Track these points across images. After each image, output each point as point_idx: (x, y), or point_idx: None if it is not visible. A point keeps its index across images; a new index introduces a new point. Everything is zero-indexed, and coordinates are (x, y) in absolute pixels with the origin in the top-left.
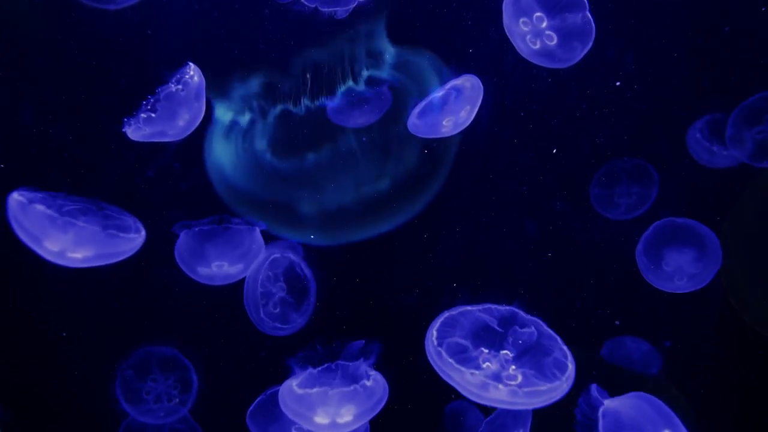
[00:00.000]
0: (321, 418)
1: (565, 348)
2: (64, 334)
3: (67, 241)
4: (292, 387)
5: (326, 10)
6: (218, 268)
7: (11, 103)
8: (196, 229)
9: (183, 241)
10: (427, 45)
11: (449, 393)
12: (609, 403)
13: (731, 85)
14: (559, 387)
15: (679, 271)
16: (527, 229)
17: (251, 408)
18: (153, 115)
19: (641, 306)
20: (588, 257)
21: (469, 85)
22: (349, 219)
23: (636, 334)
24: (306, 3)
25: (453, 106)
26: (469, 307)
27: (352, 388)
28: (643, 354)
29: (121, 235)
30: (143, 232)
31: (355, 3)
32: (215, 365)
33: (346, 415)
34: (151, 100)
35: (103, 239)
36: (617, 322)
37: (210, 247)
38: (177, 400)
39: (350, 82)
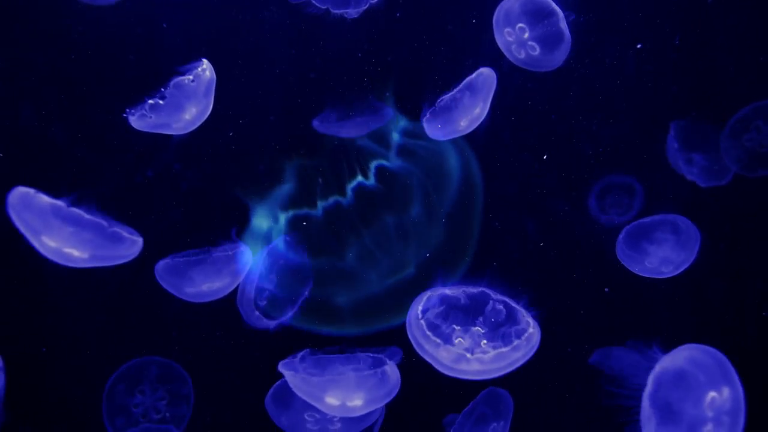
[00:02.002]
0: (332, 400)
1: (528, 317)
2: (44, 349)
3: (66, 237)
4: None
5: (337, 11)
6: (208, 288)
7: (11, 99)
8: (179, 259)
9: (166, 269)
10: (426, 50)
11: (447, 398)
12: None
13: (727, 93)
14: (522, 349)
15: (664, 260)
16: (524, 231)
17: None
18: (161, 102)
19: (632, 303)
20: (580, 260)
21: (481, 80)
22: (380, 309)
23: (630, 330)
24: (317, 4)
25: (467, 103)
26: (443, 288)
27: (366, 373)
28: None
29: (125, 235)
30: (140, 241)
31: (367, 4)
32: (208, 375)
33: (356, 400)
34: (161, 90)
35: (102, 240)
36: (606, 289)
37: (195, 273)
38: (166, 413)
39: (360, 177)
